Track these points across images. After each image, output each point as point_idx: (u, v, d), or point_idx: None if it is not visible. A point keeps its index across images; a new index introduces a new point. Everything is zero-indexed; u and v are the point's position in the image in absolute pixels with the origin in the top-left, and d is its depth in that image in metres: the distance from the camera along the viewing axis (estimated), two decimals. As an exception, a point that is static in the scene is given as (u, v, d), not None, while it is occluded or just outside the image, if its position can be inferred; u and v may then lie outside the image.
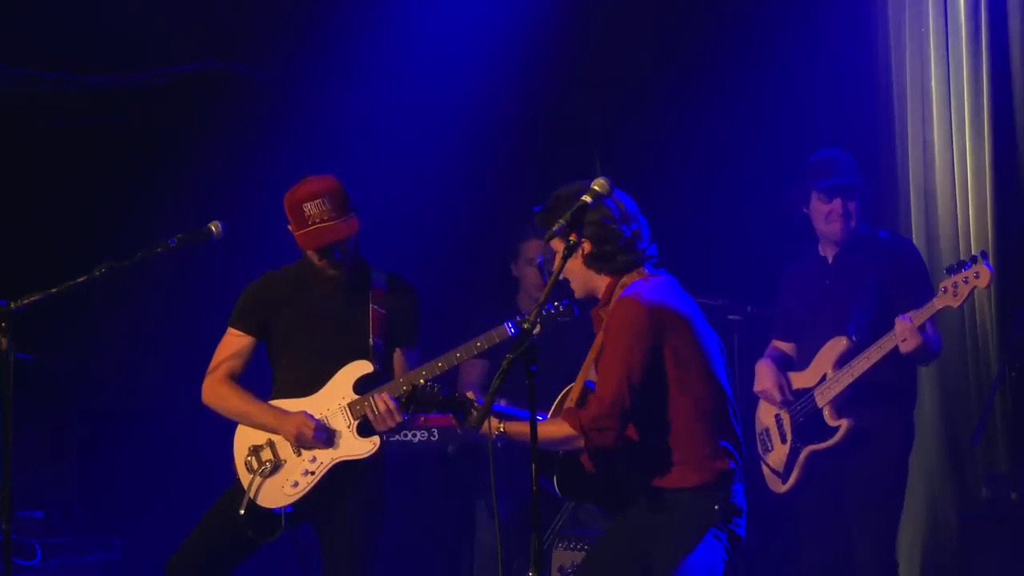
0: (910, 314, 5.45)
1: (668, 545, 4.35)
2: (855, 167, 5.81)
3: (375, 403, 5.01)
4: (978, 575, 6.16)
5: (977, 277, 5.35)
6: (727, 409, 4.45)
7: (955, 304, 5.40)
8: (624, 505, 4.50)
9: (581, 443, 4.36)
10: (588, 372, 4.53)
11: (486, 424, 4.28)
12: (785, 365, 5.88)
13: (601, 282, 4.50)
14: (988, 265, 5.34)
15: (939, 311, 5.44)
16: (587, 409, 4.37)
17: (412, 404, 4.44)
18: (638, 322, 4.33)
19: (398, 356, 5.24)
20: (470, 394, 4.45)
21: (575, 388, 4.53)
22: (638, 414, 4.34)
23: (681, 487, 4.37)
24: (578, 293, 4.57)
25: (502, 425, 4.41)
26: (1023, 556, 5.94)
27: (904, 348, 5.44)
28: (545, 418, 4.51)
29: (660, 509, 4.39)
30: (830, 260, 5.84)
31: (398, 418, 5.02)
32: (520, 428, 4.39)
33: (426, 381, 4.47)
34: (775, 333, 6.01)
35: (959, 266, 5.40)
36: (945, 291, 5.38)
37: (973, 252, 6.39)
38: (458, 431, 4.52)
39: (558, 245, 4.40)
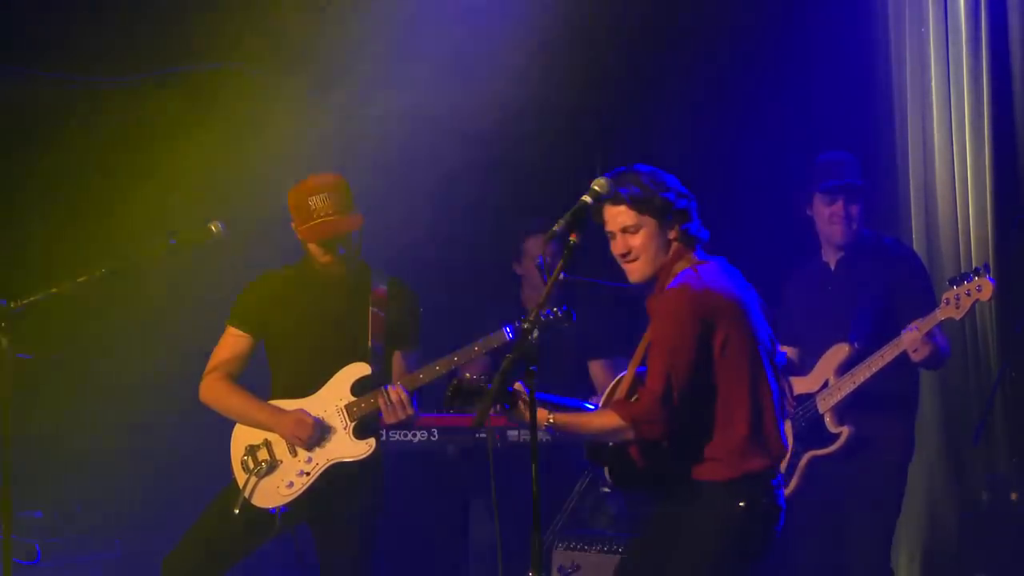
0: (915, 323, 5.48)
1: (690, 536, 4.34)
2: (859, 169, 5.81)
3: (388, 393, 5.02)
4: (978, 575, 6.16)
5: (980, 290, 5.41)
6: (771, 404, 4.39)
7: (957, 316, 5.45)
8: (667, 496, 4.47)
9: (630, 435, 4.32)
10: (639, 362, 4.48)
11: (535, 414, 4.24)
12: (786, 370, 5.89)
13: (666, 262, 4.43)
14: (991, 279, 5.40)
15: (941, 322, 5.47)
16: (637, 402, 4.34)
17: (458, 399, 4.37)
18: (684, 313, 4.29)
19: (397, 358, 5.26)
20: (518, 385, 4.35)
21: (626, 378, 4.48)
22: (685, 406, 4.29)
23: (710, 480, 4.34)
24: (646, 272, 4.44)
25: (551, 417, 4.35)
26: (1023, 556, 5.95)
27: (916, 357, 5.50)
28: (596, 408, 4.49)
29: (690, 501, 4.36)
30: (832, 266, 5.85)
31: (409, 410, 5.05)
32: (568, 420, 4.36)
33: (471, 374, 4.41)
34: (777, 338, 6.01)
35: (961, 278, 5.46)
36: (947, 303, 5.44)
37: (973, 252, 6.40)
38: (508, 420, 4.37)
39: (649, 222, 4.38)
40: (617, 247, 4.44)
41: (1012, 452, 6.27)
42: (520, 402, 4.29)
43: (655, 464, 4.42)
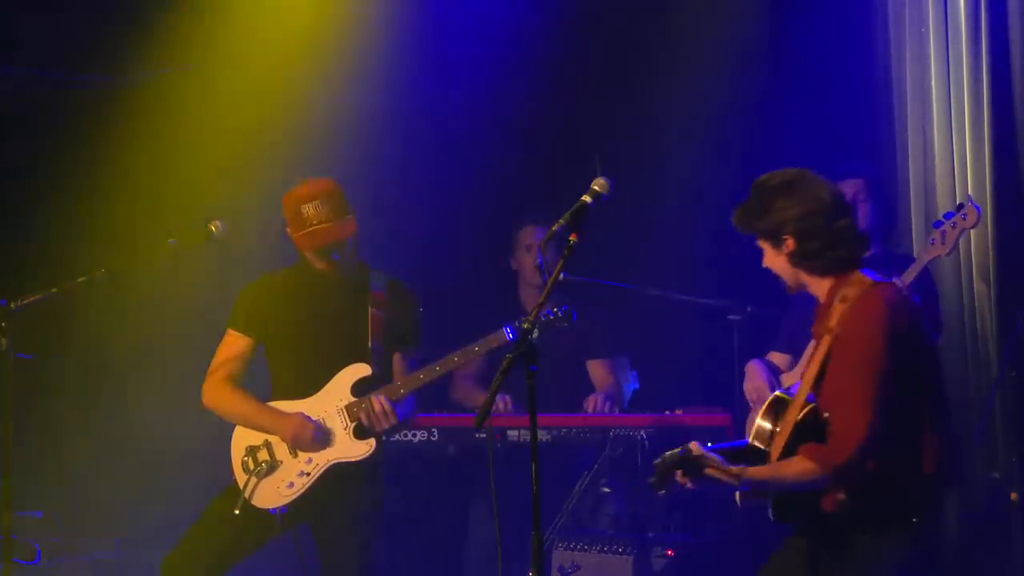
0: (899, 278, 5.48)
1: (866, 560, 4.11)
2: (875, 172, 5.89)
3: (371, 404, 5.04)
4: (978, 575, 6.16)
5: (964, 219, 5.43)
6: (949, 430, 4.14)
7: (943, 252, 5.48)
8: (832, 524, 4.14)
9: (830, 483, 4.02)
10: (806, 390, 4.13)
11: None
12: (775, 376, 5.88)
13: (814, 282, 4.19)
14: (975, 206, 5.43)
15: (929, 261, 5.51)
16: (836, 449, 3.98)
17: (662, 486, 4.02)
18: (882, 339, 3.99)
19: (397, 359, 5.26)
20: (694, 447, 4.02)
21: (793, 409, 4.10)
22: (883, 444, 4.00)
23: (893, 501, 4.08)
24: (791, 289, 4.27)
25: (744, 472, 4.01)
26: (1023, 556, 5.94)
27: None
28: (746, 444, 4.20)
29: (858, 527, 4.09)
30: None
31: (393, 420, 5.06)
32: (761, 473, 4.04)
33: (668, 454, 4.02)
34: (774, 345, 6.01)
35: (946, 216, 5.53)
36: (933, 242, 5.47)
37: (973, 252, 6.39)
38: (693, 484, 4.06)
39: (764, 244, 4.22)
40: None
41: (1012, 452, 6.26)
42: (708, 468, 3.99)
43: (849, 506, 4.09)
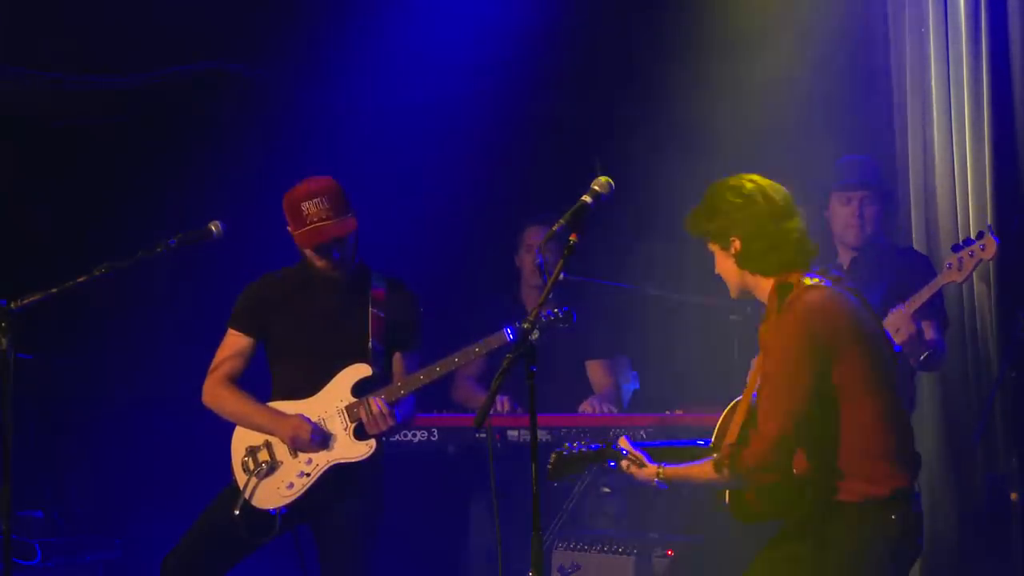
0: (904, 303, 5.47)
1: (840, 557, 4.10)
2: (878, 172, 5.87)
3: (370, 406, 5.04)
4: (978, 575, 6.16)
5: (983, 249, 5.40)
6: (901, 423, 4.16)
7: (959, 279, 5.45)
8: (797, 520, 4.20)
9: (744, 484, 4.11)
10: (752, 391, 4.21)
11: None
12: None
13: (758, 285, 4.21)
14: (995, 237, 5.40)
15: (943, 287, 5.51)
16: (750, 448, 4.05)
17: (562, 469, 4.23)
18: (799, 346, 4.02)
19: (397, 360, 5.26)
20: (623, 441, 4.23)
21: (740, 409, 4.20)
22: (806, 439, 4.06)
23: (854, 500, 4.08)
24: (733, 293, 4.30)
25: (660, 471, 4.14)
26: (1023, 556, 5.94)
27: (897, 339, 5.42)
28: (708, 443, 4.27)
29: (832, 521, 4.11)
30: (845, 267, 5.86)
31: (391, 422, 5.06)
32: (678, 473, 4.15)
33: (569, 445, 4.30)
34: None
35: (965, 243, 5.47)
36: (950, 267, 5.44)
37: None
38: (609, 471, 4.23)
39: (714, 247, 4.24)
40: None
41: (1012, 452, 6.26)
42: (625, 461, 4.14)
43: (777, 501, 4.16)
